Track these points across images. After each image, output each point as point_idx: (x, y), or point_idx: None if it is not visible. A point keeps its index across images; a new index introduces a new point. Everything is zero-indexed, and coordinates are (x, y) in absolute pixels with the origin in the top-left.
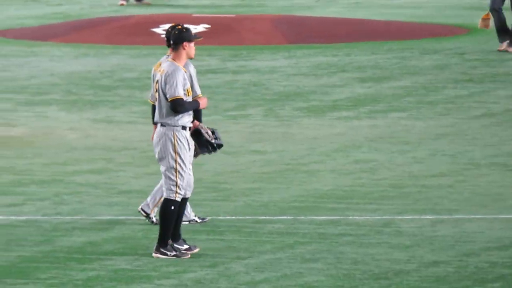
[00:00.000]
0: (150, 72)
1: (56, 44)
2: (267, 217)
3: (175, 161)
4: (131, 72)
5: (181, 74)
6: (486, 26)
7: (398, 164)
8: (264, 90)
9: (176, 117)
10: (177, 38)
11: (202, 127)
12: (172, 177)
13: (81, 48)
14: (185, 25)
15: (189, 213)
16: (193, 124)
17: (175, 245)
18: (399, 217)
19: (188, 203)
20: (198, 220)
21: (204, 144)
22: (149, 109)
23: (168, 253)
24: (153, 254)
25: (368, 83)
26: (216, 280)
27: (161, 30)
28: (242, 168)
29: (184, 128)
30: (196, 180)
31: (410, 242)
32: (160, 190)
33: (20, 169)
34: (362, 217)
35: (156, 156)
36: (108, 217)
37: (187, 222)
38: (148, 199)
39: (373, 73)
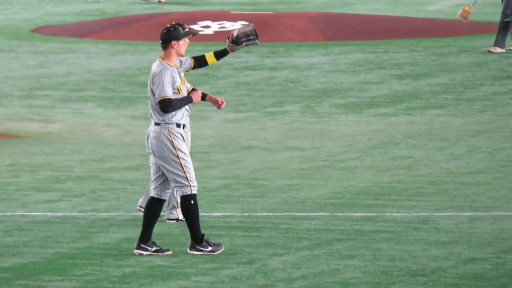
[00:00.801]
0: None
1: (94, 41)
2: (304, 214)
3: (178, 156)
4: None
5: (168, 73)
6: (465, 18)
7: (436, 160)
8: (302, 87)
9: (170, 115)
10: (165, 37)
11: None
12: (180, 173)
13: (118, 45)
14: (178, 23)
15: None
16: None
17: (144, 246)
18: (437, 214)
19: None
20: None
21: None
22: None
23: (204, 249)
24: (189, 251)
25: (405, 80)
26: (253, 276)
27: (199, 27)
28: (279, 165)
29: (178, 125)
30: (234, 177)
31: (447, 239)
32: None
33: (57, 165)
34: (399, 213)
35: (150, 151)
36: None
37: (173, 221)
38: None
39: (411, 70)
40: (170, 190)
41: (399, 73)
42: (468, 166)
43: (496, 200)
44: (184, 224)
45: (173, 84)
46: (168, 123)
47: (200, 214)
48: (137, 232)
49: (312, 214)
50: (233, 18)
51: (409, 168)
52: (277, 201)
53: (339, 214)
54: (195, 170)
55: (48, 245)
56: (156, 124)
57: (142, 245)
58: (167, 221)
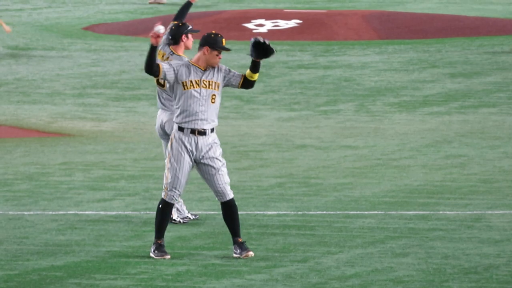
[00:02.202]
0: (242, 68)
1: (147, 39)
2: (358, 212)
3: (169, 158)
4: None
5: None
6: None
7: (489, 159)
8: (356, 86)
9: (175, 116)
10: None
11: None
12: (165, 174)
13: None
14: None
15: (184, 210)
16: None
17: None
18: (490, 212)
19: (182, 200)
20: (191, 217)
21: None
22: (241, 104)
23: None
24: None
25: (458, 78)
26: (307, 274)
27: (252, 25)
28: (333, 163)
29: (180, 129)
30: (288, 175)
31: (500, 237)
32: None
33: (111, 164)
34: (452, 212)
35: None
36: (198, 212)
37: (179, 221)
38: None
39: (464, 69)
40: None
41: (452, 72)
42: None
43: None
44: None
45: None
46: (175, 123)
47: (254, 212)
48: (190, 231)
49: (366, 212)
50: (287, 17)
51: (462, 167)
52: (330, 199)
53: (393, 212)
54: (249, 169)
55: (101, 243)
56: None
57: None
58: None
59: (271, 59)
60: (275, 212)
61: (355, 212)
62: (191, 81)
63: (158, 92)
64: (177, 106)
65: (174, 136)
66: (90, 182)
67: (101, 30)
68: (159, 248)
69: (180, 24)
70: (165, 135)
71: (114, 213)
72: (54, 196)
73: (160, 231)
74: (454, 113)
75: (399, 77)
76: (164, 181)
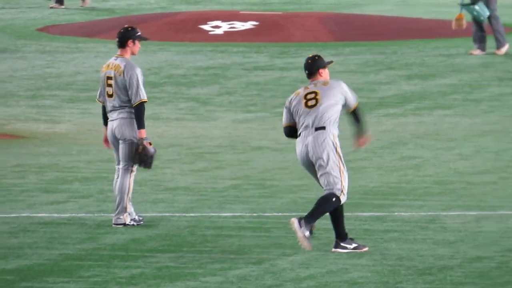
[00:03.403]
0: (198, 69)
1: (102, 40)
2: None
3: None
4: (178, 69)
5: None
6: (461, 26)
7: (444, 160)
8: None
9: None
10: None
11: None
12: (337, 175)
13: None
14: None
15: (132, 212)
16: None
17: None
18: (444, 213)
19: (131, 203)
20: (138, 219)
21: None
22: (197, 106)
23: (348, 246)
24: (333, 250)
25: (414, 80)
26: (262, 276)
27: (209, 27)
28: (289, 165)
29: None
30: (244, 177)
31: (454, 238)
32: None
33: (65, 166)
34: (407, 213)
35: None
36: (153, 214)
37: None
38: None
39: (420, 71)
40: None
41: (408, 74)
42: (475, 166)
43: (502, 199)
44: (194, 224)
45: None
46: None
47: (209, 214)
48: (145, 233)
49: None
50: (243, 18)
51: (417, 168)
52: (286, 201)
53: (348, 214)
54: (204, 171)
55: (54, 246)
56: (321, 128)
57: (341, 244)
58: (113, 225)
59: (228, 61)
60: (231, 214)
61: None
62: None
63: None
64: (335, 116)
65: (337, 141)
66: (43, 184)
67: (56, 31)
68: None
69: (130, 29)
70: (117, 142)
71: (67, 215)
72: (6, 199)
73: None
74: (410, 114)
75: (356, 78)
76: (341, 184)
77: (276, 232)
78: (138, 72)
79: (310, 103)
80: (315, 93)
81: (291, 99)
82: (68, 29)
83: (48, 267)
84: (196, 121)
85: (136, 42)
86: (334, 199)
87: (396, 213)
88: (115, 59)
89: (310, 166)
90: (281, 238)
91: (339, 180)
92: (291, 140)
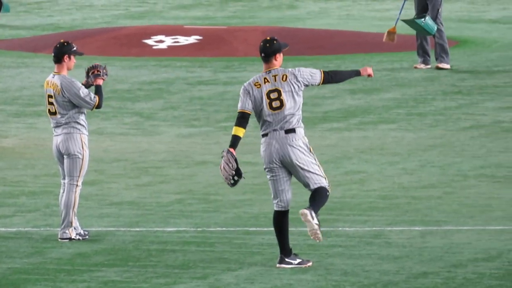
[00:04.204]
0: (142, 84)
1: (48, 55)
2: (258, 229)
3: (315, 158)
4: (123, 84)
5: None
6: (392, 39)
7: (388, 175)
8: None
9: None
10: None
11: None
12: (320, 172)
13: None
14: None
15: (78, 226)
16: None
17: (288, 260)
18: (389, 228)
19: (76, 217)
20: (83, 233)
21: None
22: (141, 120)
23: (293, 261)
24: (277, 265)
25: (358, 94)
26: None
27: (152, 41)
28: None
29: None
30: (187, 191)
31: (399, 253)
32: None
33: (11, 180)
34: (351, 228)
35: (290, 160)
36: (98, 229)
37: (78, 238)
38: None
39: (364, 85)
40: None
41: (352, 88)
42: (420, 180)
43: (447, 214)
44: (139, 238)
45: None
46: (301, 128)
47: (154, 229)
48: (90, 247)
49: (265, 229)
50: (187, 33)
51: (361, 183)
52: (230, 216)
53: (292, 228)
54: (149, 185)
55: (1, 260)
56: (291, 131)
57: (286, 260)
58: (59, 239)
59: (171, 75)
60: (175, 229)
61: (254, 229)
62: None
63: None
64: (299, 114)
65: (305, 140)
66: None
67: (2, 46)
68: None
69: (65, 44)
70: (62, 157)
71: (14, 229)
72: None
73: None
74: (354, 129)
75: None
76: (326, 180)
77: (220, 247)
78: (76, 85)
79: (275, 104)
80: (278, 92)
81: (252, 88)
82: (14, 44)
83: None
84: (141, 135)
85: (72, 57)
86: (327, 193)
87: (340, 228)
88: (53, 77)
89: (280, 167)
90: (225, 253)
91: (323, 176)
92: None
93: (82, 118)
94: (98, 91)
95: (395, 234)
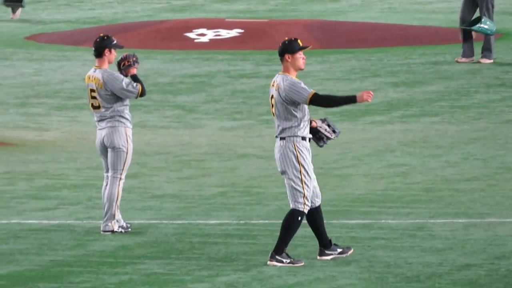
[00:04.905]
0: (184, 77)
1: (89, 48)
2: None
3: (300, 172)
4: (164, 77)
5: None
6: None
7: (431, 168)
8: None
9: (297, 129)
10: (280, 51)
11: (320, 126)
12: (299, 188)
13: None
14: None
15: (120, 219)
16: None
17: (279, 258)
18: (432, 221)
19: (119, 210)
20: (126, 226)
21: (322, 138)
22: (183, 113)
23: (284, 260)
24: (268, 262)
25: (401, 87)
26: (249, 283)
27: (194, 34)
28: (275, 172)
29: (304, 139)
30: (230, 184)
31: (442, 246)
32: (107, 200)
33: (53, 173)
34: (394, 221)
35: (279, 169)
36: (141, 221)
37: (120, 231)
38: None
39: (406, 78)
40: (320, 197)
41: (394, 81)
42: (463, 173)
43: (490, 207)
44: (182, 231)
45: None
46: (294, 136)
47: (196, 221)
48: (133, 240)
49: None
50: (229, 26)
51: (404, 176)
52: (272, 208)
53: (334, 221)
54: (191, 178)
55: (44, 252)
56: (282, 138)
57: (277, 257)
58: (102, 232)
59: (213, 68)
60: (217, 221)
61: None
62: None
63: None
64: (297, 120)
65: (299, 148)
66: (33, 191)
67: (43, 39)
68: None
69: (105, 38)
70: (106, 150)
71: (57, 222)
72: None
73: (288, 242)
74: (396, 122)
75: (341, 86)
76: (303, 195)
77: (263, 239)
78: (117, 77)
79: (273, 110)
80: (273, 98)
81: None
82: (55, 37)
83: (38, 273)
84: (183, 128)
85: (112, 50)
86: (299, 217)
87: (383, 221)
88: (94, 71)
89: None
90: (267, 245)
91: (302, 193)
92: None
93: (126, 112)
94: (136, 79)
95: (438, 227)
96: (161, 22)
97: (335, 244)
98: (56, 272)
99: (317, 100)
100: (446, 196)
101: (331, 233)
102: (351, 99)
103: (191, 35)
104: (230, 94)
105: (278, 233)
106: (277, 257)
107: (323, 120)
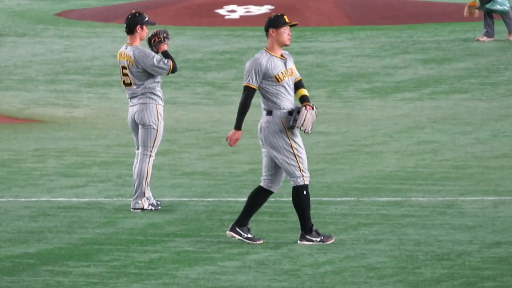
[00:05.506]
0: (214, 54)
1: (119, 25)
2: (330, 199)
3: (291, 146)
4: (194, 54)
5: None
6: (472, 14)
7: (461, 145)
8: (328, 72)
9: (282, 103)
10: (265, 26)
11: (303, 111)
12: (293, 163)
13: None
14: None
15: (150, 196)
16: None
17: (239, 230)
18: (462, 198)
19: (149, 188)
20: (156, 204)
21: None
22: (213, 90)
23: (314, 239)
24: (299, 242)
25: (430, 64)
26: (279, 261)
27: (225, 11)
28: (305, 150)
29: (290, 113)
30: (260, 161)
31: (472, 223)
32: (137, 178)
33: (83, 150)
34: (425, 198)
35: (263, 143)
36: (171, 199)
37: (150, 208)
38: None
39: (436, 55)
40: (281, 184)
41: (424, 58)
42: (493, 150)
43: None
44: (212, 208)
45: (270, 70)
46: (281, 110)
47: (227, 199)
48: (163, 217)
49: (338, 199)
50: (259, 3)
51: (434, 153)
52: None
53: (365, 199)
54: (221, 155)
55: (73, 230)
56: (268, 113)
57: (237, 229)
58: (131, 210)
59: (244, 45)
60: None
61: (327, 199)
62: (281, 72)
63: (135, 83)
64: (272, 96)
65: (286, 122)
66: (62, 169)
67: (73, 16)
68: (317, 232)
69: (137, 14)
70: (137, 127)
71: (86, 199)
72: (26, 183)
73: (308, 219)
74: (426, 99)
75: (371, 63)
76: (298, 168)
77: (293, 217)
78: (148, 54)
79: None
80: None
81: None
82: (85, 14)
83: (68, 251)
84: (213, 105)
85: (144, 27)
86: (304, 192)
87: (413, 198)
88: (126, 48)
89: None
90: (297, 223)
91: (297, 166)
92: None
93: (158, 89)
94: (167, 56)
95: (468, 204)
96: None
97: (316, 231)
98: (86, 250)
99: (243, 94)
100: (476, 173)
101: (362, 210)
102: (237, 123)
103: (221, 11)
104: None
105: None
106: (307, 236)
107: (312, 108)
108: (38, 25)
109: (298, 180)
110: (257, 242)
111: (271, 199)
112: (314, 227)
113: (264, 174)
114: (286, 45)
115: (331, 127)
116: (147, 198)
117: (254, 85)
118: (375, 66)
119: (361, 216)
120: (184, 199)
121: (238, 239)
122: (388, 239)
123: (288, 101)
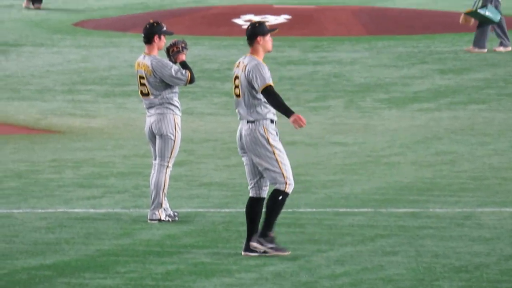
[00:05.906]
0: (231, 64)
1: (136, 35)
2: (348, 210)
3: (273, 153)
4: (212, 63)
5: (265, 66)
6: (468, 21)
7: (479, 156)
8: (345, 82)
9: (264, 111)
10: (250, 34)
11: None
12: (276, 169)
13: None
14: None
15: (168, 207)
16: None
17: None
18: (480, 210)
19: (166, 198)
20: (173, 215)
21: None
22: (231, 100)
23: (265, 244)
24: (250, 243)
25: (448, 74)
26: (297, 273)
27: (242, 20)
28: (322, 160)
29: (272, 121)
30: None
31: (490, 235)
32: (154, 188)
33: (100, 161)
34: (442, 209)
35: (243, 151)
36: (188, 210)
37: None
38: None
39: (453, 65)
40: (267, 188)
41: (441, 68)
42: (510, 161)
43: None
44: (229, 220)
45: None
46: (263, 119)
47: (243, 210)
48: (180, 229)
49: (356, 210)
50: (276, 12)
51: (452, 164)
52: (320, 196)
53: (383, 210)
54: (238, 166)
55: (90, 242)
56: (250, 122)
57: (259, 239)
58: (148, 221)
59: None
60: (265, 210)
61: (345, 210)
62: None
63: (152, 93)
64: (261, 101)
65: (269, 131)
66: (79, 180)
67: (91, 25)
68: (274, 241)
69: (155, 24)
70: (154, 138)
71: (103, 210)
72: (43, 194)
73: (273, 224)
74: (444, 109)
75: (389, 73)
76: (281, 174)
77: (311, 228)
78: (166, 65)
79: (236, 91)
80: (238, 79)
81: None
82: (103, 23)
83: (85, 263)
84: (230, 115)
85: (162, 37)
86: (281, 197)
87: (431, 209)
88: (143, 58)
89: (246, 154)
90: (315, 234)
91: (280, 173)
92: (325, 135)
93: (175, 99)
94: (185, 66)
95: (486, 216)
96: (209, 8)
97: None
98: (103, 261)
99: (268, 93)
100: (494, 184)
101: (379, 222)
102: (287, 113)
103: (238, 21)
104: (277, 81)
105: (326, 222)
106: (258, 239)
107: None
108: (55, 35)
109: (281, 187)
110: (284, 253)
111: (288, 210)
112: (272, 235)
113: (250, 183)
114: (269, 52)
115: (349, 137)
116: (164, 209)
117: (272, 83)
118: (393, 76)
119: (378, 227)
120: (201, 210)
121: (259, 252)
122: (406, 250)
123: (270, 109)
